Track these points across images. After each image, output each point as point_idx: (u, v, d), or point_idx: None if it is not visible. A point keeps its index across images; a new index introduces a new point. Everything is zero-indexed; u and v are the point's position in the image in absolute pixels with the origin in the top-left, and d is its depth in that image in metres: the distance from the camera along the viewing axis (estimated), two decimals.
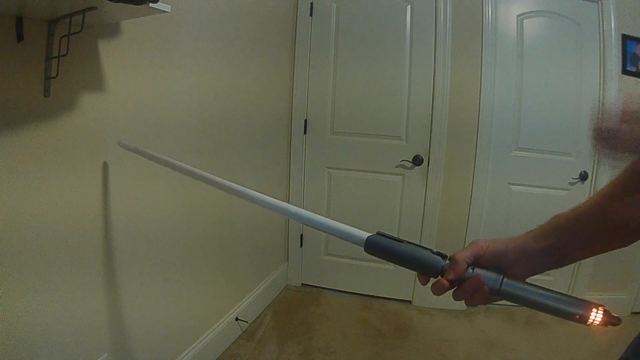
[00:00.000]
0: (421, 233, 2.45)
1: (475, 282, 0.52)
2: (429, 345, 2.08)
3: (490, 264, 0.54)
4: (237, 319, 2.00)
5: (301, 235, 2.65)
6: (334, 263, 2.63)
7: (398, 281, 2.52)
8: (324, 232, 0.62)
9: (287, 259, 2.67)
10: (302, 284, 2.70)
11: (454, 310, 2.43)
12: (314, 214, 0.64)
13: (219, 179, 0.82)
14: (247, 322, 2.05)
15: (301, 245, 2.67)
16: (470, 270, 0.54)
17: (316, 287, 2.67)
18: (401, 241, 0.57)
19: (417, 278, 0.57)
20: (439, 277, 0.55)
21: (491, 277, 0.53)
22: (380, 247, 0.57)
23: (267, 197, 0.72)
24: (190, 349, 1.66)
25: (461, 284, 0.53)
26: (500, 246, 0.55)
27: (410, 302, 2.53)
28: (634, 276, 2.41)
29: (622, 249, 0.54)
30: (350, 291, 2.61)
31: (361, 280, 2.59)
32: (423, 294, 2.47)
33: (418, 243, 0.56)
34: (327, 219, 0.62)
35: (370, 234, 0.58)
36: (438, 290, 0.54)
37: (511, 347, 2.09)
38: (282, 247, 2.64)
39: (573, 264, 2.40)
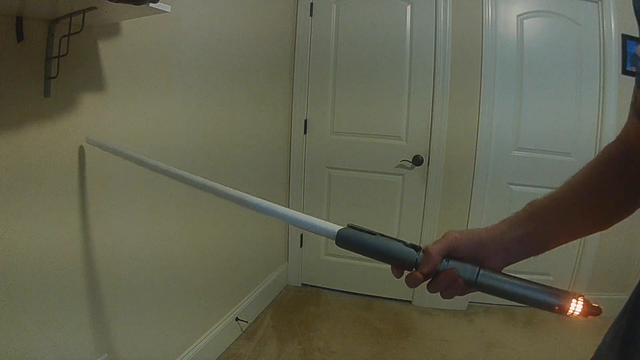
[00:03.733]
0: (421, 233, 2.45)
1: (450, 274, 0.51)
2: (429, 345, 2.08)
3: (465, 255, 0.53)
4: (237, 319, 1.99)
5: (301, 235, 2.65)
6: (334, 263, 2.62)
7: (398, 281, 2.51)
8: (294, 225, 0.60)
9: (287, 259, 2.67)
10: (302, 284, 2.70)
11: (454, 310, 2.43)
12: (282, 207, 0.62)
13: (199, 178, 0.77)
14: (247, 322, 2.05)
15: (301, 245, 2.67)
16: (446, 262, 0.52)
17: (316, 287, 2.67)
18: (374, 234, 0.55)
19: (390, 270, 0.55)
20: (413, 269, 0.53)
21: (467, 269, 0.51)
22: (352, 241, 0.55)
23: (230, 188, 0.68)
24: (190, 349, 1.66)
25: (436, 276, 0.52)
26: (475, 237, 0.54)
27: (410, 302, 2.53)
28: (634, 276, 2.40)
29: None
30: (350, 291, 2.61)
31: (361, 280, 2.58)
32: (423, 294, 2.47)
33: (391, 235, 0.54)
34: (296, 212, 0.60)
35: (342, 227, 0.56)
36: (412, 282, 0.53)
37: (511, 347, 2.09)
38: (282, 247, 2.64)
39: (573, 264, 2.42)
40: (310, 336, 2.09)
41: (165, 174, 0.86)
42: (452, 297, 0.53)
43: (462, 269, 0.51)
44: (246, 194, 0.66)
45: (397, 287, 2.53)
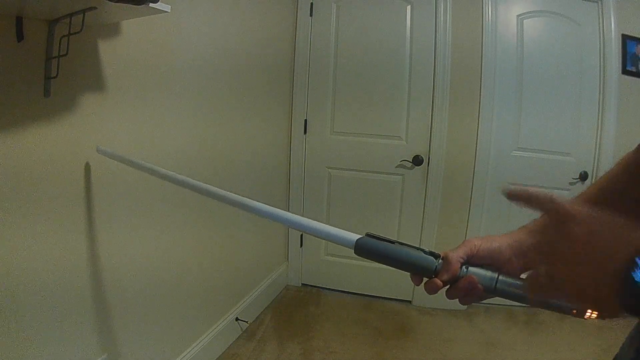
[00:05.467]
0: (421, 233, 2.45)
1: (469, 282, 0.51)
2: (429, 345, 2.08)
3: (484, 261, 0.53)
4: (237, 319, 1.99)
5: (301, 235, 2.65)
6: (334, 263, 2.63)
7: (398, 281, 2.52)
8: (312, 235, 0.61)
9: (287, 259, 2.67)
10: (302, 284, 2.70)
11: (454, 310, 2.43)
12: (301, 217, 0.63)
13: (199, 183, 0.79)
14: (247, 322, 2.05)
15: (301, 245, 2.67)
16: (465, 269, 0.52)
17: (316, 287, 2.67)
18: (392, 242, 0.55)
19: (410, 278, 0.56)
20: (433, 277, 0.53)
21: (486, 276, 0.52)
22: (371, 250, 0.56)
23: (251, 200, 0.69)
24: (190, 349, 1.66)
25: (455, 283, 0.52)
26: (494, 244, 0.54)
27: (410, 302, 2.53)
28: None
29: None
30: (350, 291, 2.61)
31: (361, 280, 2.59)
32: (423, 294, 2.44)
33: (409, 243, 0.55)
34: (315, 222, 0.61)
35: (360, 236, 0.57)
36: (431, 289, 0.53)
37: (511, 347, 2.09)
38: (282, 247, 2.64)
39: None
40: (310, 336, 2.09)
41: (176, 184, 0.87)
42: (470, 303, 0.53)
43: (481, 275, 0.52)
44: (264, 205, 0.67)
45: (397, 287, 2.53)
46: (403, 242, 0.55)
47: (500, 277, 0.51)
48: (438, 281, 0.52)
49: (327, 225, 0.59)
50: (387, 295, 2.56)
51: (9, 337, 0.94)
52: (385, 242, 0.55)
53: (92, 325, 1.19)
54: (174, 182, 0.88)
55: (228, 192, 0.73)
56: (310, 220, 0.61)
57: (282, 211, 0.65)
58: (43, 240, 1.00)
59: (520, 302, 0.52)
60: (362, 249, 0.56)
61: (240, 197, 0.71)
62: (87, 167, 1.11)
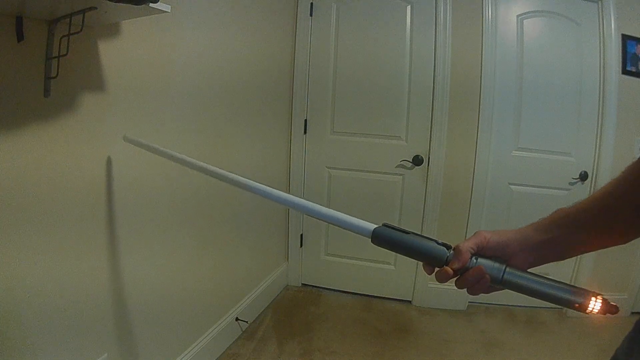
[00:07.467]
0: (421, 233, 2.45)
1: (478, 271, 0.54)
2: (429, 345, 2.08)
3: (493, 254, 0.56)
4: (237, 319, 1.99)
5: (301, 235, 2.65)
6: (334, 263, 2.63)
7: (398, 281, 2.52)
8: (332, 224, 0.64)
9: (287, 259, 2.67)
10: (302, 284, 2.70)
11: (454, 310, 2.43)
12: (323, 207, 0.66)
13: (228, 174, 0.84)
14: (247, 322, 2.05)
15: (301, 245, 2.67)
16: (474, 260, 0.55)
17: (316, 287, 2.67)
18: (407, 232, 0.58)
19: (422, 267, 0.59)
20: (444, 266, 0.56)
21: (494, 267, 0.54)
22: (387, 239, 0.59)
23: (278, 191, 0.74)
24: (190, 349, 1.66)
25: (464, 272, 0.55)
26: (502, 237, 0.57)
27: (410, 302, 2.53)
28: (634, 276, 2.40)
29: (622, 248, 0.55)
30: (350, 291, 2.61)
31: (361, 280, 2.59)
32: (423, 294, 2.47)
33: (423, 234, 0.58)
34: (336, 211, 0.64)
35: (377, 226, 0.60)
36: (442, 278, 0.56)
37: (511, 347, 2.09)
38: (282, 247, 2.64)
39: (573, 263, 2.41)
40: (310, 336, 2.09)
41: (203, 172, 0.92)
42: (478, 294, 0.56)
43: (489, 266, 0.55)
44: (290, 195, 0.72)
45: (397, 287, 2.53)
46: (417, 232, 0.58)
47: (508, 269, 0.54)
48: (449, 269, 0.55)
49: (346, 215, 0.62)
50: (387, 295, 2.56)
51: (12, 338, 0.94)
52: (401, 232, 0.59)
53: (93, 325, 1.19)
54: (202, 171, 0.92)
55: (255, 182, 0.77)
56: (331, 209, 0.64)
57: (308, 201, 0.69)
58: (42, 241, 1.00)
59: (524, 293, 0.54)
60: (379, 238, 0.59)
61: (266, 186, 0.75)
62: (86, 168, 1.11)
